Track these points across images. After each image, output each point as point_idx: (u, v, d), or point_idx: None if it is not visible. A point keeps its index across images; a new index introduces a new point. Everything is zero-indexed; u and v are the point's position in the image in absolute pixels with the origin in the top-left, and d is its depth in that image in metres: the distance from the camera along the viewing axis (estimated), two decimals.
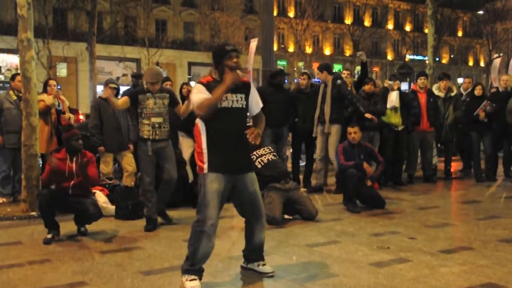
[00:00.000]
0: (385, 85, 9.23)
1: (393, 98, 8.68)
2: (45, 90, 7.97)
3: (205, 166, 3.94)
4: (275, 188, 6.39)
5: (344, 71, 10.41)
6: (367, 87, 8.49)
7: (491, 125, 9.29)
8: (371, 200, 7.00)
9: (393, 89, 8.85)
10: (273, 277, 4.24)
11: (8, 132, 7.43)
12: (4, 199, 7.45)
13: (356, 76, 15.13)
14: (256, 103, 4.19)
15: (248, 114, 4.21)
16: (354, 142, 7.13)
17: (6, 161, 7.56)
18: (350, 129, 7.22)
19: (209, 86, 3.94)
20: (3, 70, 32.49)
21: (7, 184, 7.60)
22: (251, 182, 4.11)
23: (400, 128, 8.81)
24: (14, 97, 7.53)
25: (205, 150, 3.96)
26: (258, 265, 4.32)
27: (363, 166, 6.94)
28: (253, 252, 4.32)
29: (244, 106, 4.05)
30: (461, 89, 10.69)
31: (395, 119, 8.76)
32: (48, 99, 7.70)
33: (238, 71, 3.97)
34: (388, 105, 8.68)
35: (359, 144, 7.15)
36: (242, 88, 4.06)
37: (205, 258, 3.97)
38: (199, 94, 3.93)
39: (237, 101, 3.99)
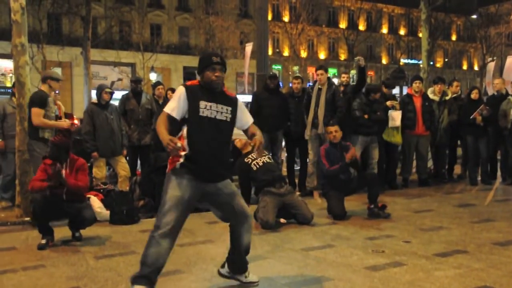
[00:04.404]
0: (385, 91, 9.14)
1: (396, 119, 8.62)
2: None
3: (178, 163, 3.73)
4: (270, 193, 6.39)
5: (344, 75, 10.42)
6: (376, 96, 8.40)
7: (486, 128, 9.33)
8: (362, 184, 6.90)
9: (395, 109, 8.69)
10: (257, 286, 4.15)
11: (12, 137, 7.40)
12: (4, 203, 7.42)
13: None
14: (245, 118, 4.04)
15: (234, 127, 4.02)
16: (336, 141, 6.84)
17: (10, 166, 7.55)
18: (330, 128, 6.87)
19: (191, 90, 3.79)
20: None
21: (10, 189, 7.56)
22: (224, 185, 3.91)
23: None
24: None
25: (183, 153, 3.73)
26: (246, 277, 4.15)
27: (349, 169, 6.80)
28: (240, 258, 4.11)
29: (228, 120, 3.86)
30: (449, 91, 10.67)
31: (397, 138, 8.79)
32: None
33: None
34: (390, 125, 8.63)
35: (340, 144, 6.89)
36: (228, 101, 3.90)
37: (155, 266, 3.69)
38: (171, 103, 3.78)
39: (221, 113, 3.81)
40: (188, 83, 3.90)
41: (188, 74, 9.05)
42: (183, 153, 3.73)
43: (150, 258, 3.68)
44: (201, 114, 3.74)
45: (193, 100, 3.75)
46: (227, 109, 3.85)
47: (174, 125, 3.77)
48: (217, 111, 3.79)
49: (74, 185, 5.46)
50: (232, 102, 3.92)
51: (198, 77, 3.90)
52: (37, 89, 6.92)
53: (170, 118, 3.74)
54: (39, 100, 6.67)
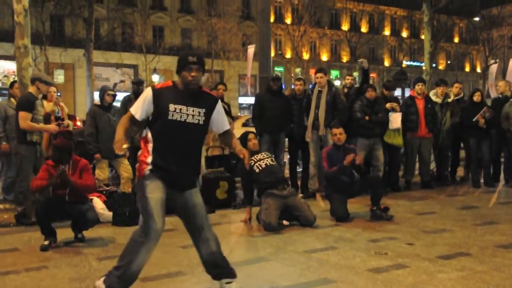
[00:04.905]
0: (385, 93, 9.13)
1: (397, 121, 8.60)
2: (45, 97, 7.97)
3: (147, 169, 3.67)
4: (273, 195, 6.38)
5: (348, 77, 10.41)
6: (368, 94, 8.41)
7: (489, 131, 9.31)
8: (365, 187, 6.89)
9: (396, 111, 8.66)
10: None
11: (14, 139, 7.40)
12: (7, 205, 7.44)
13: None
14: (221, 122, 3.89)
15: (208, 130, 3.89)
16: (339, 143, 6.90)
17: (12, 168, 7.56)
18: (335, 130, 6.96)
19: (160, 92, 3.66)
20: (0, 77, 32.53)
21: (12, 190, 7.56)
22: (191, 195, 3.80)
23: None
24: None
25: (149, 159, 3.67)
26: (226, 283, 3.94)
27: (347, 170, 6.76)
28: (212, 268, 3.94)
29: (200, 122, 3.69)
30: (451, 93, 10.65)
31: (398, 140, 8.78)
32: (48, 106, 7.72)
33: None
34: (391, 127, 8.60)
35: (343, 146, 6.94)
36: (203, 103, 3.73)
37: (138, 273, 3.66)
38: (135, 104, 3.71)
39: (192, 116, 3.65)
40: (158, 84, 3.77)
41: None
42: (149, 160, 3.69)
43: (137, 264, 3.63)
44: (170, 117, 3.60)
45: (161, 103, 3.62)
46: (199, 112, 3.68)
47: (137, 126, 3.76)
48: (187, 114, 3.64)
49: (81, 185, 5.45)
50: (207, 104, 3.76)
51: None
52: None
53: (133, 119, 3.70)
54: (27, 104, 6.57)
